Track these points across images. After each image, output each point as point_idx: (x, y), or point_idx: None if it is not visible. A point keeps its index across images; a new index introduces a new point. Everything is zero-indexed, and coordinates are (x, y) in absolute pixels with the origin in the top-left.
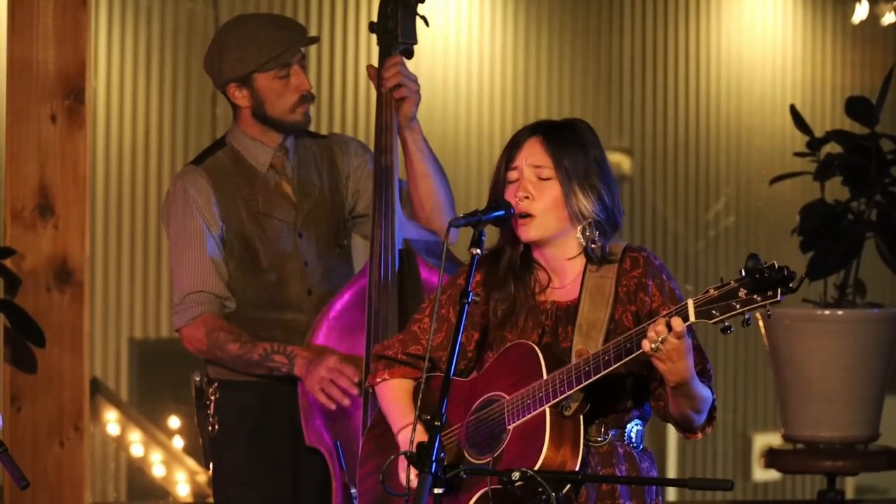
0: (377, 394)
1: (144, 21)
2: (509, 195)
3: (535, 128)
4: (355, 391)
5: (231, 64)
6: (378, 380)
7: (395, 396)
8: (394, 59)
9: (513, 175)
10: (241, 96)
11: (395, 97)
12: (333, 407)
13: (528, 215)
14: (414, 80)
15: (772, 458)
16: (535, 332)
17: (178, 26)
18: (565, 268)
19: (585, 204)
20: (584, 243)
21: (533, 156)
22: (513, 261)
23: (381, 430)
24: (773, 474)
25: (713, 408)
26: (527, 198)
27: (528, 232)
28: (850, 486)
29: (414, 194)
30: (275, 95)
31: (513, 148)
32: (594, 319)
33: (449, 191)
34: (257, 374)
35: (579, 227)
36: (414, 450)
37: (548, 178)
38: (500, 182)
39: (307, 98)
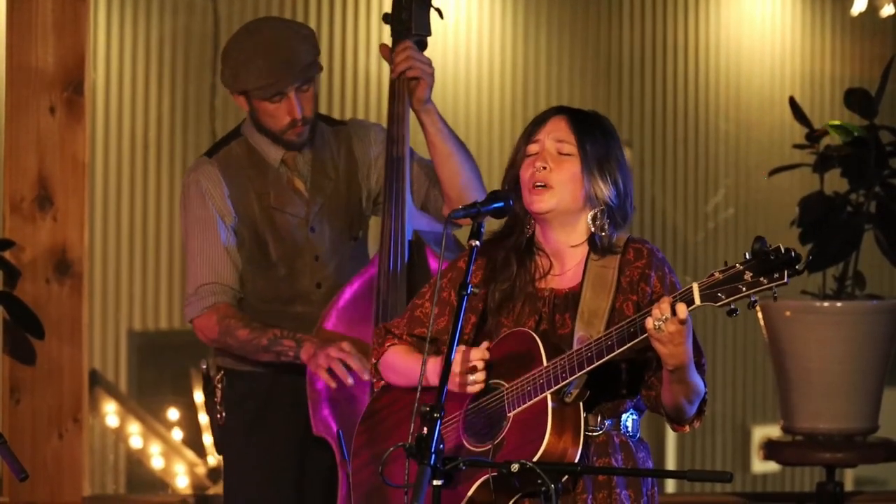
0: (388, 356)
1: (143, 13)
2: (527, 167)
3: (561, 109)
4: (365, 377)
5: (227, 77)
6: (387, 345)
7: (409, 353)
8: (405, 44)
9: (533, 148)
10: (241, 102)
11: (408, 77)
12: (334, 385)
13: (544, 185)
14: (427, 62)
15: (771, 449)
16: (532, 319)
17: (177, 18)
18: (566, 254)
19: (602, 187)
20: (592, 229)
21: (557, 131)
22: (518, 244)
23: (373, 422)
24: (772, 466)
25: (704, 401)
26: (545, 168)
27: (541, 202)
28: (849, 477)
29: (441, 175)
30: (267, 115)
31: (537, 124)
32: (596, 307)
33: (475, 166)
34: (264, 359)
35: (590, 212)
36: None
37: (568, 154)
38: (517, 156)
39: (297, 123)
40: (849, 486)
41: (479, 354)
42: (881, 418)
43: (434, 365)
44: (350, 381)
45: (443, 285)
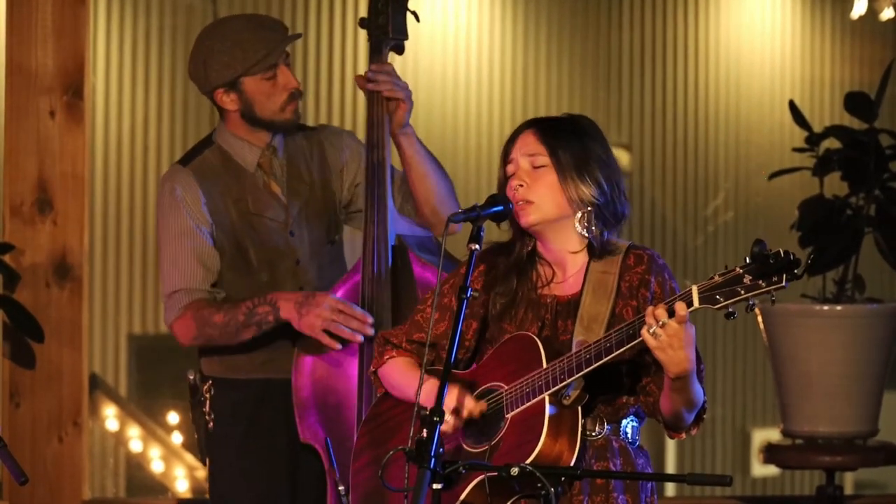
0: (386, 369)
1: (143, 16)
2: (509, 188)
3: (530, 122)
4: (369, 331)
5: (217, 70)
6: (386, 357)
7: (406, 368)
8: (385, 68)
9: (510, 168)
10: (229, 101)
11: (387, 97)
12: (338, 347)
13: (526, 201)
14: (405, 86)
15: (770, 453)
16: (535, 325)
17: (177, 21)
18: (567, 261)
19: (583, 189)
20: (580, 230)
21: (526, 146)
22: (519, 257)
23: (376, 424)
24: (771, 469)
25: (703, 409)
26: (521, 185)
27: (526, 216)
28: (848, 481)
29: (415, 194)
30: (263, 97)
31: (508, 143)
32: (596, 312)
33: (449, 183)
34: (249, 336)
35: (578, 214)
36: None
37: (542, 166)
38: (501, 179)
39: (296, 96)
40: (848, 490)
41: (475, 408)
42: (881, 421)
43: (430, 388)
44: (359, 338)
45: (444, 291)
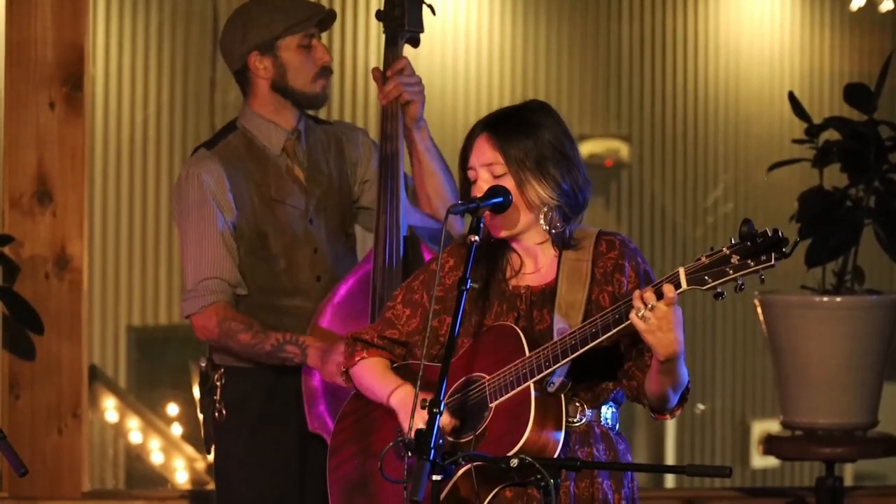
0: (356, 371)
1: (143, 7)
2: (474, 194)
3: (483, 124)
4: None
5: (257, 30)
6: (356, 359)
7: (377, 371)
8: (395, 66)
9: (472, 175)
10: (262, 67)
11: (401, 102)
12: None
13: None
14: (416, 81)
15: (770, 444)
16: (510, 317)
17: (177, 13)
18: (537, 251)
19: (541, 192)
20: (546, 228)
21: (482, 155)
22: (491, 246)
23: (354, 420)
24: (771, 461)
25: (687, 390)
26: None
27: (497, 231)
28: (848, 472)
29: (421, 191)
30: (297, 64)
31: (465, 149)
32: (572, 300)
33: (453, 183)
34: (268, 363)
35: (541, 215)
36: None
37: (502, 175)
38: (462, 182)
39: (326, 71)
40: (848, 481)
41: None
42: (880, 413)
43: (403, 395)
44: None
45: (415, 287)
